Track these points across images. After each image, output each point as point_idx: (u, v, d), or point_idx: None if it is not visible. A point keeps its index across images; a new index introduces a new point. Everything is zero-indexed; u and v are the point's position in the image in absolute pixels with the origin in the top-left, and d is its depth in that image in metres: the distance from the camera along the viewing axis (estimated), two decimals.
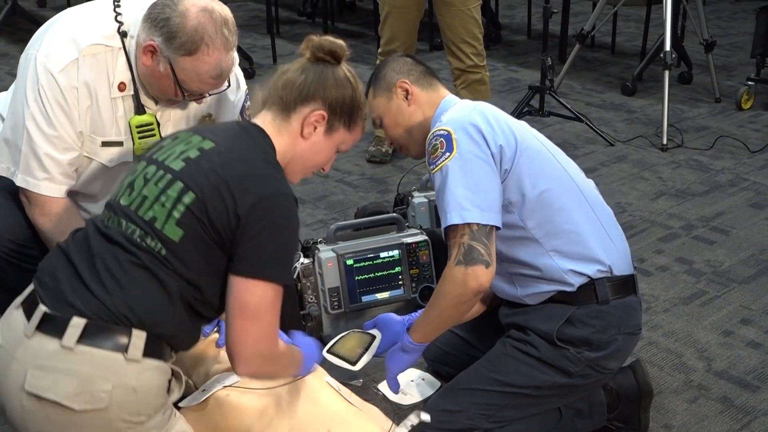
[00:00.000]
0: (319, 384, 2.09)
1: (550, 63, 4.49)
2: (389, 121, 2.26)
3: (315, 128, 1.86)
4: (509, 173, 2.07)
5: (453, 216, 1.99)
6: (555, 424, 2.21)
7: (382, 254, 2.70)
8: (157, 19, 2.03)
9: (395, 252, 2.71)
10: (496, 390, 2.13)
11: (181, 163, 1.76)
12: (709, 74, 5.04)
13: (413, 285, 2.72)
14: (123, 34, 2.13)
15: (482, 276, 1.96)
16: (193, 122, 2.34)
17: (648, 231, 3.46)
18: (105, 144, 2.20)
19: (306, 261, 2.71)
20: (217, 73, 2.08)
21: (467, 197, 1.99)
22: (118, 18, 2.14)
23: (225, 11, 2.08)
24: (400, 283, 2.71)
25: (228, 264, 1.73)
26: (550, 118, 4.65)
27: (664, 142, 4.29)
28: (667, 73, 4.40)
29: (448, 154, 2.03)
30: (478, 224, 1.98)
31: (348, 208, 3.65)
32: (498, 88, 5.25)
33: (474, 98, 3.94)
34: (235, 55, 2.17)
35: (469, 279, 1.96)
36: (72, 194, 2.27)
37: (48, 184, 2.16)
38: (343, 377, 2.50)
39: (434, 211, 2.72)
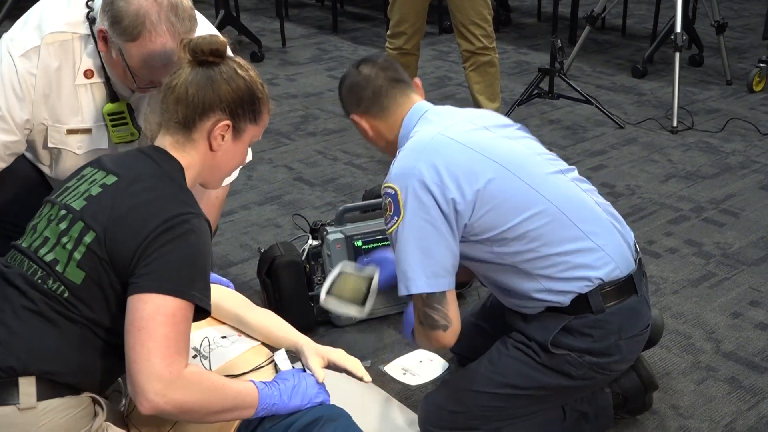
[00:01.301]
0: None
1: (560, 45, 4.47)
2: (365, 136, 2.21)
3: (222, 138, 1.74)
4: (471, 220, 1.96)
5: (401, 287, 1.99)
6: (559, 426, 2.18)
7: None
8: (105, 3, 1.96)
9: None
10: (498, 392, 2.09)
11: (83, 201, 1.66)
12: (720, 56, 5.01)
13: None
14: (92, 21, 2.08)
15: (443, 338, 2.01)
16: None
17: (657, 213, 3.45)
18: (71, 132, 2.17)
19: (315, 243, 2.71)
20: (164, 59, 1.97)
21: (414, 267, 1.95)
22: (89, 3, 2.09)
23: None
24: None
25: (128, 288, 1.59)
26: (560, 100, 4.64)
27: (674, 124, 4.27)
28: (677, 55, 4.38)
29: (396, 218, 1.96)
30: (426, 293, 1.96)
31: (356, 191, 3.65)
32: (508, 70, 5.24)
33: (483, 80, 4.00)
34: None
35: (432, 341, 2.04)
36: (55, 182, 2.27)
37: None
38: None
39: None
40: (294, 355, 1.91)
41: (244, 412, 1.69)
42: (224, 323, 2.04)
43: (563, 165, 2.12)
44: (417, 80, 2.23)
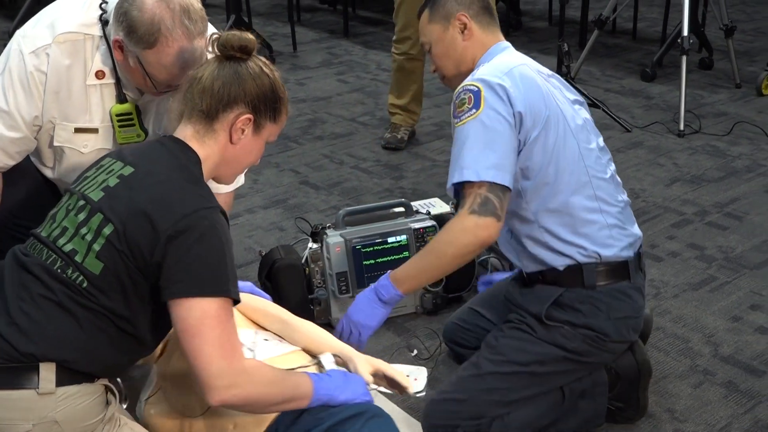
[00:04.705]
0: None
1: (567, 49, 4.48)
2: (440, 50, 2.25)
3: (243, 131, 1.80)
4: (526, 140, 2.06)
5: (469, 173, 2.01)
6: (559, 408, 2.22)
7: (390, 239, 2.72)
8: (119, 14, 2.00)
9: (403, 237, 2.73)
10: (500, 372, 2.14)
11: (101, 192, 1.71)
12: (730, 60, 5.00)
13: None
14: (105, 23, 2.11)
15: (492, 228, 2.00)
16: None
17: (661, 217, 3.46)
18: (78, 130, 2.20)
19: (314, 246, 2.74)
20: (182, 62, 2.01)
21: (487, 156, 2.00)
22: (103, 6, 2.12)
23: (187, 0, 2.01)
24: None
25: (160, 292, 1.66)
26: None
27: (681, 128, 4.27)
28: (684, 58, 4.37)
29: (474, 110, 2.03)
30: (494, 182, 2.00)
31: (362, 195, 3.68)
32: None
33: None
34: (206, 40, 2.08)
35: (480, 229, 2.00)
36: (59, 182, 2.31)
37: None
38: None
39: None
40: (339, 360, 1.97)
41: (300, 402, 1.76)
42: (267, 330, 2.09)
43: (603, 144, 2.26)
44: None
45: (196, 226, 1.64)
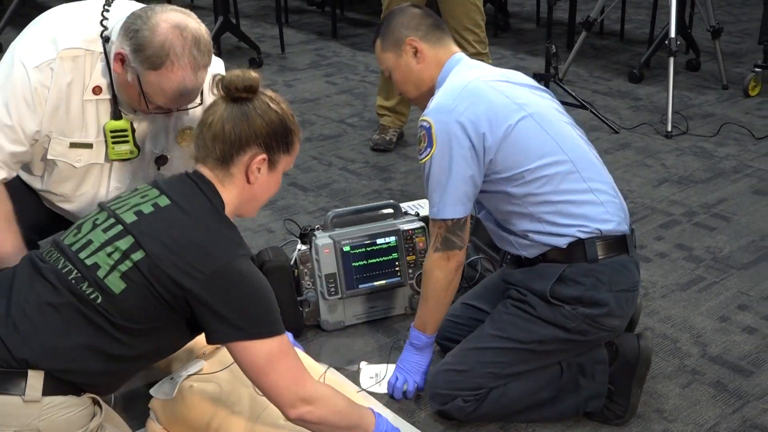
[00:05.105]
0: None
1: (555, 51, 4.49)
2: (399, 77, 2.33)
3: (259, 170, 1.83)
4: (496, 157, 2.16)
5: (432, 210, 2.21)
6: (557, 382, 2.27)
7: (379, 241, 2.72)
8: (129, 29, 2.01)
9: (392, 239, 2.73)
10: (500, 347, 2.23)
11: (133, 216, 1.73)
12: (717, 61, 5.02)
13: (410, 271, 2.74)
14: (105, 39, 2.12)
15: (458, 256, 2.23)
16: (173, 133, 2.32)
17: (649, 218, 3.47)
18: (73, 145, 2.20)
19: (303, 247, 2.73)
20: (181, 90, 2.04)
21: (441, 194, 2.17)
22: (104, 22, 2.13)
23: (200, 30, 2.04)
24: (397, 269, 2.73)
25: (208, 334, 1.75)
26: None
27: (669, 129, 4.29)
28: (672, 59, 4.39)
29: (429, 149, 2.16)
30: (451, 219, 2.18)
31: (351, 196, 3.68)
32: None
33: None
34: (208, 73, 2.11)
35: (447, 261, 2.23)
36: (45, 193, 2.32)
37: None
38: (340, 363, 2.54)
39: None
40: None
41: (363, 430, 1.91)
42: None
43: (577, 126, 2.32)
44: None
45: (233, 275, 1.70)
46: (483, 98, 2.17)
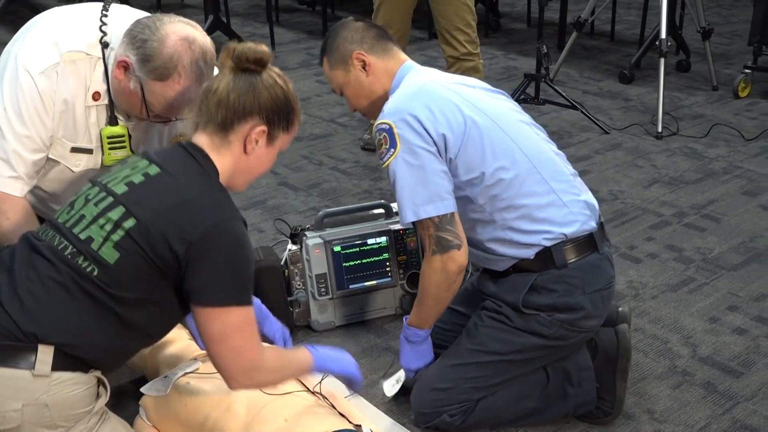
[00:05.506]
0: None
1: (546, 51, 4.49)
2: (350, 92, 2.28)
3: (257, 142, 1.84)
4: (456, 158, 2.10)
5: (409, 214, 2.10)
6: (544, 390, 2.26)
7: (370, 241, 2.71)
8: (136, 38, 2.01)
9: (383, 239, 2.72)
10: (480, 361, 2.20)
11: (124, 187, 1.75)
12: (707, 62, 5.04)
13: (401, 272, 2.74)
14: (104, 45, 2.12)
15: (458, 257, 2.09)
16: (166, 140, 2.32)
17: (639, 218, 3.47)
18: (75, 150, 2.20)
19: (294, 247, 2.73)
20: (185, 101, 2.05)
21: (418, 192, 2.08)
22: (103, 28, 2.12)
23: (206, 43, 2.06)
24: (388, 269, 2.73)
25: (186, 296, 1.74)
26: (546, 106, 4.66)
27: (659, 129, 4.29)
28: (662, 60, 4.39)
29: (392, 150, 2.08)
30: (437, 216, 2.08)
31: (341, 196, 3.67)
32: (495, 76, 5.26)
33: None
34: None
35: (448, 264, 2.09)
36: (35, 189, 2.28)
37: (12, 183, 2.14)
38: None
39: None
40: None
41: (304, 374, 1.99)
42: None
43: (536, 125, 2.28)
44: None
45: (222, 238, 1.70)
46: (439, 98, 2.13)
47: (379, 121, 2.12)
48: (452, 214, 2.09)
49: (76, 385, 1.71)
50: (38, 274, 1.70)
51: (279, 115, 1.84)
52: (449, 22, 3.86)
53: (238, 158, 1.84)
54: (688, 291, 2.95)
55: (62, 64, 2.10)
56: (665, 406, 2.38)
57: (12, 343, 1.65)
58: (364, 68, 2.23)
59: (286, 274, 2.69)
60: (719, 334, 2.70)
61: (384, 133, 2.09)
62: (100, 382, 1.79)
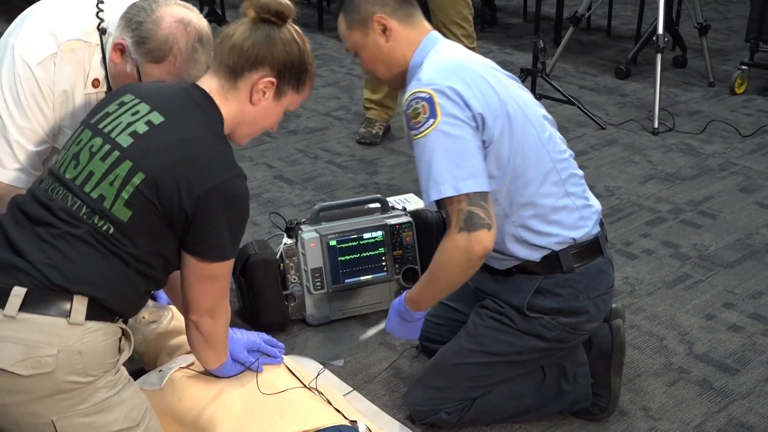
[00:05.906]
0: (279, 370, 2.10)
1: (542, 46, 4.48)
2: (366, 56, 2.15)
3: (264, 94, 1.83)
4: (490, 143, 2.01)
5: (446, 188, 1.94)
6: (540, 387, 2.25)
7: (366, 235, 2.70)
8: (132, 21, 2.00)
9: (378, 233, 2.71)
10: (480, 361, 2.18)
11: (129, 138, 1.74)
12: (703, 58, 5.03)
13: (396, 266, 2.73)
14: (102, 31, 2.11)
15: (486, 239, 1.94)
16: None
17: (635, 214, 3.46)
18: None
19: (289, 241, 2.71)
20: (180, 83, 2.01)
21: (458, 166, 1.94)
22: (100, 14, 2.11)
23: (202, 25, 2.04)
24: (383, 264, 2.71)
25: (182, 242, 1.77)
26: (542, 101, 4.63)
27: (656, 125, 4.28)
28: (659, 56, 4.38)
29: (432, 120, 1.95)
30: (474, 192, 1.94)
31: (336, 190, 3.65)
32: None
33: None
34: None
35: (474, 244, 1.94)
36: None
37: (16, 174, 2.13)
38: (325, 358, 2.52)
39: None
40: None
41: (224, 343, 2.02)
42: None
43: (552, 120, 2.21)
44: None
45: (227, 195, 1.73)
46: (478, 78, 2.02)
47: (416, 89, 1.98)
48: (488, 193, 1.97)
49: (105, 335, 1.74)
50: (59, 231, 1.71)
51: (291, 71, 1.83)
52: (446, 16, 3.85)
53: (243, 107, 1.84)
54: (684, 288, 2.94)
55: (60, 54, 2.08)
56: (661, 403, 2.37)
57: (48, 292, 1.67)
58: (384, 33, 2.09)
59: (282, 268, 2.68)
60: (715, 331, 2.70)
61: (423, 102, 1.95)
62: (124, 333, 1.82)
